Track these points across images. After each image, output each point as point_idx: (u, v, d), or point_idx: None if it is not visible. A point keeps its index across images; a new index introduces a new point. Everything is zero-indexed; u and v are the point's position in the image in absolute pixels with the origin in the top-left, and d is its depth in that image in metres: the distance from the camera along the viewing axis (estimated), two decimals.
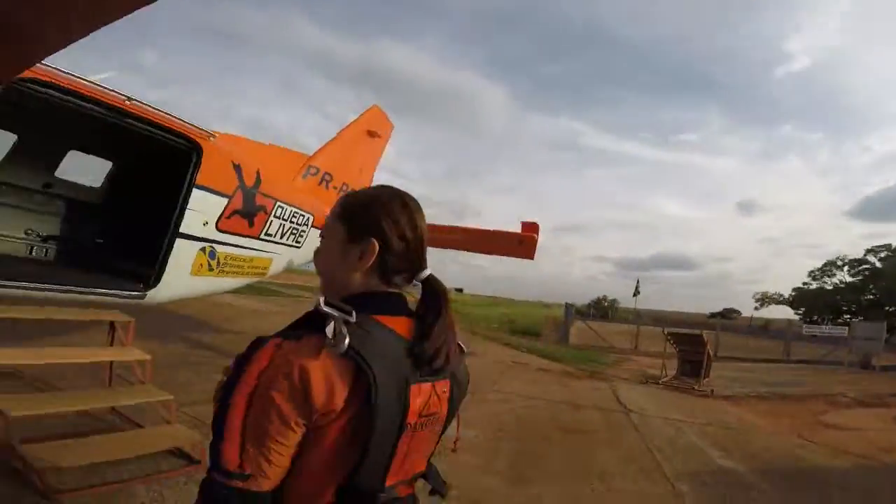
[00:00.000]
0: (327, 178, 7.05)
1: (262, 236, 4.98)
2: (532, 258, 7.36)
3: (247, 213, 4.64)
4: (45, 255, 5.00)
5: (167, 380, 4.28)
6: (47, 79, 3.05)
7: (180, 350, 6.84)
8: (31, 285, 3.28)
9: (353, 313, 0.84)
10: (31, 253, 4.91)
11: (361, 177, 8.11)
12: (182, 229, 3.92)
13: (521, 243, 7.19)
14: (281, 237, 5.33)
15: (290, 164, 6.16)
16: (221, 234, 4.38)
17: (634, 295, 47.66)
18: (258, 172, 4.81)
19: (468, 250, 7.96)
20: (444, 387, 0.97)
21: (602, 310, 47.04)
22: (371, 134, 8.10)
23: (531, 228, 7.26)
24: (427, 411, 0.91)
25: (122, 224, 5.41)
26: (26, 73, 2.95)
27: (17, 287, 3.21)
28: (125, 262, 4.52)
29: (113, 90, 3.41)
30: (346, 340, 0.79)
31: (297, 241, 5.75)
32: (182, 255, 4.02)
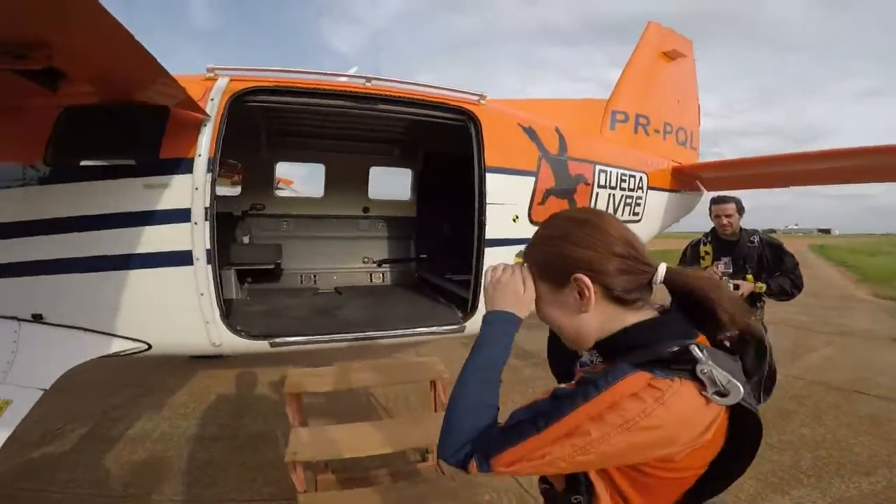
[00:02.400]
0: (642, 121, 5.04)
1: None
2: None
3: (563, 191, 3.24)
4: (383, 279, 5.15)
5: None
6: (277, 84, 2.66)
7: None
8: (362, 334, 2.89)
9: (704, 350, 0.76)
10: (370, 280, 5.10)
11: (683, 110, 5.76)
12: (488, 234, 2.87)
13: None
14: (613, 213, 3.66)
15: (585, 115, 4.52)
16: None
17: None
18: (558, 131, 3.36)
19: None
20: None
21: None
22: (669, 56, 5.75)
23: None
24: None
25: (437, 233, 5.13)
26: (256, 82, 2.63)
27: (346, 340, 2.86)
28: (443, 281, 4.08)
29: (348, 74, 2.94)
30: (741, 390, 0.73)
31: (635, 213, 3.99)
32: None
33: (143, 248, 2.33)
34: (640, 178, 4.01)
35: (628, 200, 3.82)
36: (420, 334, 2.99)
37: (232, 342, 2.59)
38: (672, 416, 0.72)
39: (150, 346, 2.54)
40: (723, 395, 0.73)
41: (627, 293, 0.85)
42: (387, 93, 2.86)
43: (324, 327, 2.93)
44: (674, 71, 5.76)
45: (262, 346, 2.67)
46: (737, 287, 3.30)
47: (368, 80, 2.80)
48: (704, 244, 3.62)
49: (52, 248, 2.28)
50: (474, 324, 2.96)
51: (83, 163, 2.29)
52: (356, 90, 2.81)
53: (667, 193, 4.52)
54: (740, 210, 3.50)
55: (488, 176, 2.87)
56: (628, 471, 0.79)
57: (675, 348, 0.77)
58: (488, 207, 2.85)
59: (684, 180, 4.84)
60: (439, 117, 3.00)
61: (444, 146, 4.36)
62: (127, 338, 2.48)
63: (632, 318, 0.86)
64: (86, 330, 2.42)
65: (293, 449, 2.29)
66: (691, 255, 3.70)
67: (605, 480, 0.82)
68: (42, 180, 2.26)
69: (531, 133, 3.15)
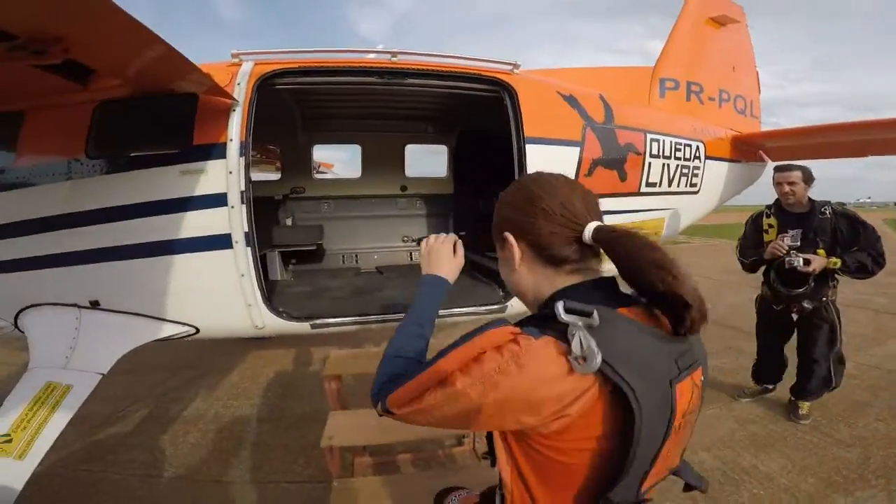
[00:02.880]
0: (695, 88, 4.64)
1: (644, 189, 3.20)
2: None
3: (612, 161, 3.00)
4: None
5: None
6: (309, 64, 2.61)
7: None
8: (402, 315, 2.79)
9: (595, 314, 0.69)
10: (411, 258, 5.08)
11: (739, 77, 5.29)
12: None
13: None
14: (668, 184, 3.40)
15: (630, 83, 4.19)
16: None
17: None
18: (603, 99, 3.12)
19: None
20: (699, 375, 0.81)
21: None
22: (718, 21, 5.28)
23: None
24: (690, 409, 0.79)
25: (474, 210, 5.01)
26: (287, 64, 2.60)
27: (386, 321, 2.82)
28: (483, 258, 4.00)
29: (373, 50, 2.79)
30: (598, 358, 0.66)
31: (692, 184, 3.67)
32: None
33: (184, 233, 2.35)
34: (697, 147, 3.68)
35: (684, 171, 3.51)
36: (462, 314, 2.87)
37: (274, 324, 2.60)
38: (526, 375, 0.68)
39: (198, 330, 2.59)
40: (581, 365, 0.68)
41: (556, 250, 0.84)
42: (414, 66, 2.74)
43: (364, 308, 2.89)
44: (725, 37, 5.29)
45: (302, 327, 2.67)
46: (807, 262, 2.96)
47: (394, 54, 2.70)
48: (767, 216, 3.28)
49: (102, 237, 2.35)
50: (517, 302, 2.82)
51: (121, 153, 2.34)
52: (382, 66, 2.72)
53: (727, 163, 4.16)
54: (807, 179, 3.14)
55: (528, 147, 2.69)
56: (521, 442, 0.77)
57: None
58: None
59: (746, 150, 4.46)
60: (471, 89, 2.85)
61: (478, 120, 4.22)
62: (176, 322, 2.53)
63: (563, 282, 0.85)
64: (137, 315, 2.49)
65: (329, 434, 2.28)
66: (752, 228, 3.37)
67: (505, 449, 0.81)
68: (86, 173, 2.32)
69: (572, 101, 2.93)
